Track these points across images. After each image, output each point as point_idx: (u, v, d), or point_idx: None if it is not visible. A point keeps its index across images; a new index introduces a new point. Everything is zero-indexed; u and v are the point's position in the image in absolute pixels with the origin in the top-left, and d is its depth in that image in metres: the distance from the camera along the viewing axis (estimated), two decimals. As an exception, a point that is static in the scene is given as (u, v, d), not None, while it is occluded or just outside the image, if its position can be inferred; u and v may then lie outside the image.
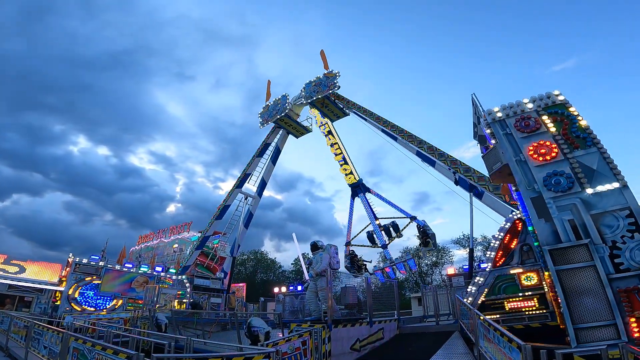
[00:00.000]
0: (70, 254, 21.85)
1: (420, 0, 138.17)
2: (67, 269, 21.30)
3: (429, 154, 14.14)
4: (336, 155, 29.29)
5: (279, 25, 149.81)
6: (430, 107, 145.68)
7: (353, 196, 29.35)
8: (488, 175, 9.09)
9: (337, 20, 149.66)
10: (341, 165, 29.32)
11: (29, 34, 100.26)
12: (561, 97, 8.02)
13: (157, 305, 18.77)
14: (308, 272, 13.45)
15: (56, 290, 21.70)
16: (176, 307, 21.41)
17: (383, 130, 17.42)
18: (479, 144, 10.27)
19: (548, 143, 7.55)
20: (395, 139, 16.30)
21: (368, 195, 28.62)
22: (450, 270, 19.84)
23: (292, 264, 56.75)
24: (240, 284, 36.62)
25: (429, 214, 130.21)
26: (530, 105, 8.17)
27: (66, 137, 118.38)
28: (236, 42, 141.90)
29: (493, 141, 8.46)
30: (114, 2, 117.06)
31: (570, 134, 7.50)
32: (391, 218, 27.08)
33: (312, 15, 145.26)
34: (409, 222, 25.64)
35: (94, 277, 21.27)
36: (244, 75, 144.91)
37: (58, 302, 20.67)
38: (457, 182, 13.36)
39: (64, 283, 21.02)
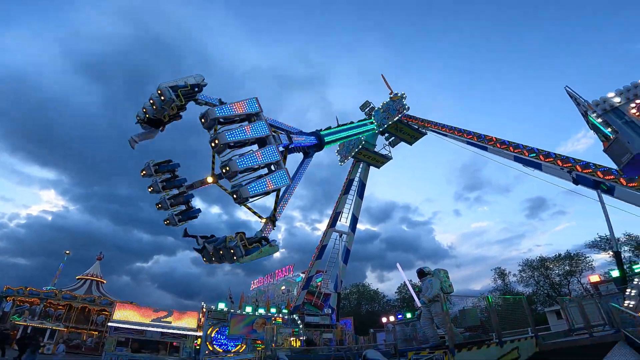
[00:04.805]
0: (203, 303, 25.34)
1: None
2: (202, 316, 24.61)
3: (531, 157, 12.80)
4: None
5: (343, 59, 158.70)
6: (524, 108, 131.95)
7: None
8: (617, 168, 7.95)
9: (397, 39, 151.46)
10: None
11: (137, 106, 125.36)
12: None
13: (275, 345, 20.13)
14: (419, 299, 13.06)
15: (196, 336, 25.10)
16: (292, 345, 22.60)
17: (469, 143, 16.52)
18: (595, 133, 9.12)
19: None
20: (485, 149, 15.26)
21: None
22: (594, 278, 16.79)
23: (395, 292, 54.81)
24: (347, 318, 36.65)
25: (550, 220, 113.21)
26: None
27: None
28: (307, 83, 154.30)
29: (609, 130, 7.48)
30: (197, 63, 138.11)
31: None
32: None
33: (371, 41, 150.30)
34: None
35: (224, 322, 24.04)
36: (320, 114, 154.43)
37: (198, 347, 23.85)
38: (576, 182, 11.65)
39: (201, 329, 24.28)
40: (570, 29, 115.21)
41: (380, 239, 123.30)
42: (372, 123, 25.26)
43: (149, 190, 11.05)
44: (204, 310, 24.38)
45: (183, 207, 11.20)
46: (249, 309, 25.90)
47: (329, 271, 27.87)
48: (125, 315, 24.45)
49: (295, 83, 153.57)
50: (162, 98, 9.69)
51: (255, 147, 9.78)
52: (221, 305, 24.65)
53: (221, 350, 23.00)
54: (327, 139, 17.71)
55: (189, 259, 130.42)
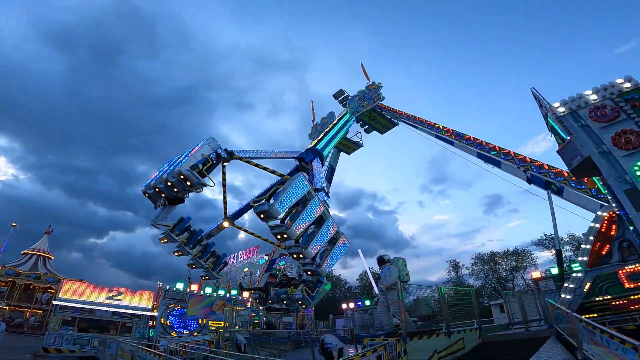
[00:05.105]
0: (160, 282, 24.50)
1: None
2: (159, 296, 23.82)
3: (493, 155, 13.32)
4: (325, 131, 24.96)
5: (325, 45, 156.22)
6: (493, 109, 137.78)
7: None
8: (568, 170, 8.38)
9: (382, 32, 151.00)
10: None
11: (104, 77, 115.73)
12: (635, 82, 7.36)
13: (237, 327, 19.96)
14: (377, 286, 13.30)
15: (151, 316, 24.32)
16: (251, 328, 22.56)
17: (437, 136, 16.92)
18: (552, 135, 9.54)
19: (632, 130, 6.87)
20: (451, 143, 15.69)
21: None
22: (536, 274, 18.05)
23: (357, 279, 56.21)
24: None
25: (504, 217, 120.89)
26: (602, 94, 7.58)
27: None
28: (286, 66, 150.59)
29: (565, 132, 7.84)
30: (172, 41, 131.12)
31: (655, 119, 6.71)
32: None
33: (355, 31, 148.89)
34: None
35: (181, 303, 23.44)
36: (297, 97, 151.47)
37: (153, 327, 23.16)
38: (530, 181, 12.32)
39: (156, 309, 23.53)
40: (569, 24, 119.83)
41: (346, 226, 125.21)
42: (350, 119, 25.46)
43: (176, 254, 11.51)
44: (161, 289, 23.60)
45: (212, 259, 11.96)
46: (208, 290, 25.46)
47: (293, 255, 27.86)
48: (72, 294, 23.04)
49: (275, 65, 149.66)
50: (188, 183, 9.30)
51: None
52: (179, 286, 23.99)
53: (177, 332, 22.52)
54: (325, 152, 19.23)
55: (149, 236, 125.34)
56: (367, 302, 23.65)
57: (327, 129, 22.97)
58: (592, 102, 7.55)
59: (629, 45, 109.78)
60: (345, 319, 22.52)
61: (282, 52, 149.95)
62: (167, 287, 23.69)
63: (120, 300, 24.25)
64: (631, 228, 7.73)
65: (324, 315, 31.35)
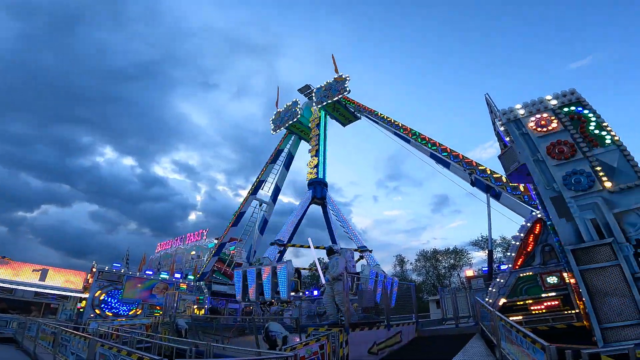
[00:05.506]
0: (94, 262, 22.60)
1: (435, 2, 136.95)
2: (91, 276, 22.00)
3: (444, 156, 14.01)
4: (312, 147, 25.59)
5: (301, 34, 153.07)
6: (451, 112, 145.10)
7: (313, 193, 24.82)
8: (506, 176, 8.98)
9: (358, 29, 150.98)
10: (311, 156, 25.46)
11: (59, 46, 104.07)
12: (577, 95, 7.91)
13: (177, 312, 19.13)
14: (324, 276, 13.43)
15: (81, 297, 22.42)
16: (195, 313, 21.81)
17: (395, 133, 17.40)
18: (498, 141, 10.15)
19: (566, 142, 7.42)
20: (408, 141, 16.23)
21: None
22: (469, 273, 19.37)
23: (306, 269, 56.69)
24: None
25: (448, 216, 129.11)
26: (545, 104, 8.07)
27: (94, 148, 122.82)
28: (259, 50, 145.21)
29: (507, 139, 8.36)
30: (141, 14, 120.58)
31: (589, 132, 7.36)
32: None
33: (333, 24, 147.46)
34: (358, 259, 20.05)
35: (117, 284, 21.90)
36: (265, 83, 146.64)
37: (82, 309, 21.39)
38: (473, 184, 13.17)
39: (88, 290, 21.74)
40: (529, 37, 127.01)
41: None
42: (326, 120, 26.20)
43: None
44: (94, 270, 21.81)
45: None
46: (149, 272, 24.08)
47: (244, 240, 27.30)
48: (-12, 270, 20.46)
49: (246, 48, 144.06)
50: None
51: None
52: (116, 266, 22.38)
53: (110, 314, 21.05)
54: (326, 179, 24.62)
55: (87, 212, 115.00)
56: (316, 292, 23.95)
57: (316, 147, 24.75)
58: (535, 111, 8.09)
59: (584, 61, 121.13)
60: (293, 307, 22.64)
61: (256, 36, 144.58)
62: (98, 267, 21.96)
63: (45, 279, 22.02)
64: (551, 228, 8.47)
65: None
